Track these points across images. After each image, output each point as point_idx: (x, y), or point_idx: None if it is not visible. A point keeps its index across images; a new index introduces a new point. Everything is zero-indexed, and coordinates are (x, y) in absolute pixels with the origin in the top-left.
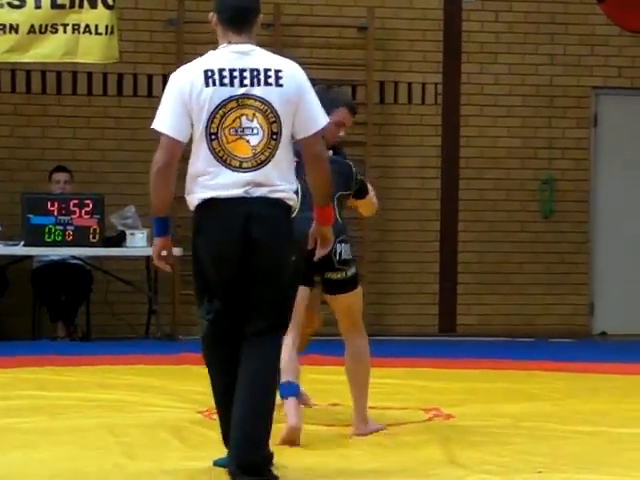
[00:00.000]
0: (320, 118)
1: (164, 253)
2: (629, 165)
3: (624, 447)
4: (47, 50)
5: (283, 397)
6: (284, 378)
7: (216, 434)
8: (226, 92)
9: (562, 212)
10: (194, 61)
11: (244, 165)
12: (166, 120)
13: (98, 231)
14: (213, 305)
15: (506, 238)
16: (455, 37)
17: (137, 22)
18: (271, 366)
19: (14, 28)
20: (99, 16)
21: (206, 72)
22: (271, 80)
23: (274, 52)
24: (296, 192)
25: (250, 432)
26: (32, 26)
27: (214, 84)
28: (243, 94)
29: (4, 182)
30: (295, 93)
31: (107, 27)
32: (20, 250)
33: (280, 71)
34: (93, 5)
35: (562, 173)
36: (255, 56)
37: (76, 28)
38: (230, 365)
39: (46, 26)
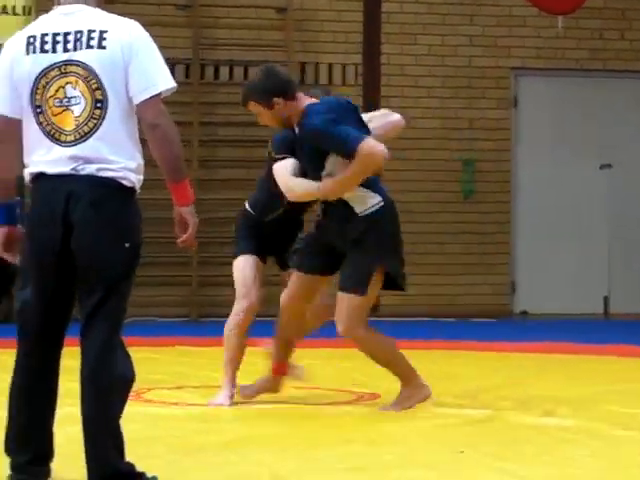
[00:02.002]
0: (158, 81)
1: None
2: (549, 145)
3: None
4: None
5: None
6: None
7: None
8: (47, 59)
9: (483, 193)
10: (27, 26)
11: (68, 139)
12: None
13: None
14: (23, 293)
15: (427, 219)
16: (375, 18)
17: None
18: (108, 375)
19: None
20: None
21: (28, 39)
22: (93, 42)
23: (193, 33)
24: (139, 170)
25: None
26: None
27: (34, 51)
28: (66, 60)
29: None
30: (122, 55)
31: (24, 8)
32: None
33: (105, 32)
34: None
35: (482, 154)
36: (81, 16)
37: None
38: (31, 374)
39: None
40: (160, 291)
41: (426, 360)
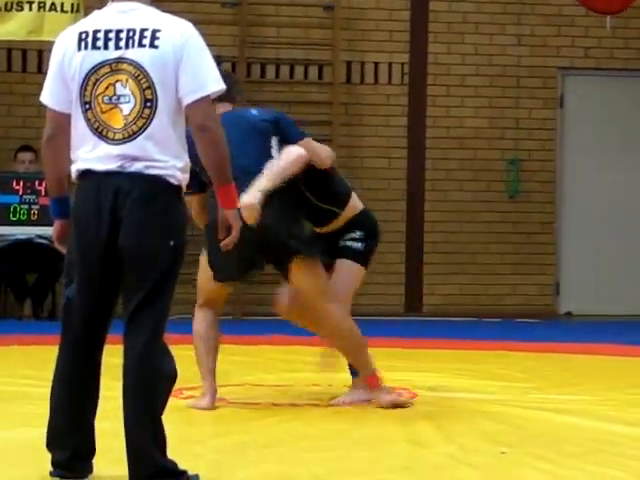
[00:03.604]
0: (208, 82)
1: (57, 244)
2: (594, 146)
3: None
4: (12, 28)
5: None
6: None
7: None
8: (98, 56)
9: (528, 192)
10: (78, 22)
11: (117, 137)
12: (46, 90)
13: None
14: (69, 289)
15: (472, 218)
16: (422, 17)
17: (104, 0)
18: (150, 373)
19: None
20: None
21: (80, 35)
22: (145, 41)
23: (239, 31)
24: (186, 170)
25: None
26: None
27: (86, 47)
28: (117, 58)
29: None
30: (173, 55)
31: (73, 5)
32: None
33: (158, 31)
34: None
35: (528, 153)
36: (136, 15)
37: (42, 6)
38: (73, 374)
39: (12, 4)
40: None
41: (470, 360)
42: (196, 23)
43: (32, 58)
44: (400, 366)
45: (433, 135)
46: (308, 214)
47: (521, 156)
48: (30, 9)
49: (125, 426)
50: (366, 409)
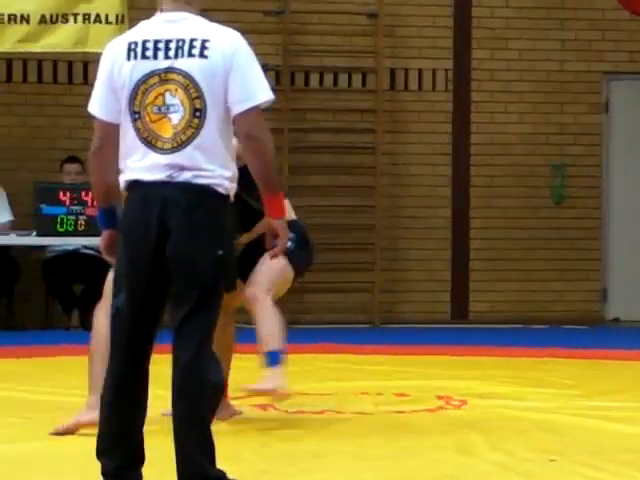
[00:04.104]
0: (257, 92)
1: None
2: None
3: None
4: (58, 40)
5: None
6: None
7: None
8: (148, 66)
9: (573, 198)
10: (127, 32)
11: (166, 146)
12: (95, 100)
13: None
14: (118, 299)
15: (517, 224)
16: (465, 23)
17: (149, 11)
18: (198, 383)
19: (25, 18)
20: (109, 5)
21: (129, 45)
22: (195, 51)
23: (283, 40)
24: (234, 179)
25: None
26: (43, 16)
27: (135, 57)
28: (166, 68)
29: (15, 172)
30: (223, 65)
31: (117, 16)
32: (32, 240)
33: (207, 41)
34: None
35: (573, 159)
36: (185, 25)
37: (87, 18)
38: (124, 379)
39: (57, 16)
40: None
41: (517, 367)
42: (240, 32)
43: (78, 69)
44: (447, 374)
45: (477, 141)
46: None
47: (566, 162)
48: (75, 21)
49: (174, 435)
50: (414, 417)
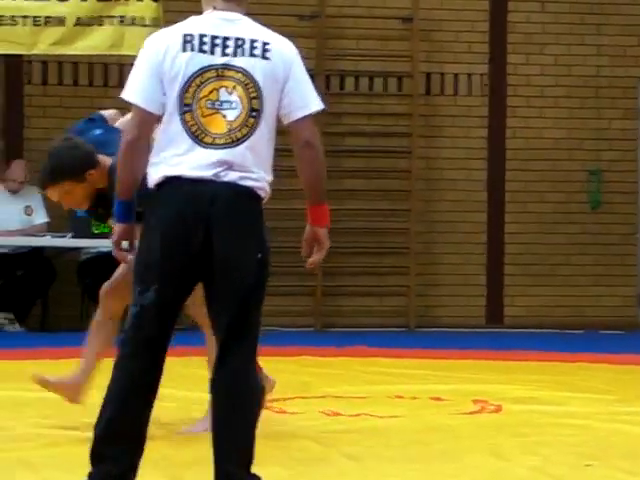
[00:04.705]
0: (312, 100)
1: (124, 245)
2: None
3: None
4: (93, 42)
5: None
6: None
7: None
8: (205, 60)
9: (610, 204)
10: (173, 25)
11: (217, 141)
12: (137, 88)
13: None
14: (144, 297)
15: (553, 229)
16: (501, 28)
17: (184, 14)
18: (244, 385)
19: (61, 20)
20: (145, 8)
21: (185, 36)
22: (257, 52)
23: (318, 44)
24: (270, 185)
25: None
26: (78, 18)
27: (192, 49)
28: (224, 64)
29: None
30: (283, 70)
31: (153, 19)
32: (68, 242)
33: (268, 43)
34: None
35: (609, 164)
36: (242, 25)
37: (122, 20)
38: (139, 382)
39: (93, 18)
40: (285, 301)
41: (552, 372)
42: None
43: (113, 72)
44: (482, 378)
45: (513, 146)
46: None
47: (602, 167)
48: (111, 23)
49: (218, 440)
50: (449, 421)
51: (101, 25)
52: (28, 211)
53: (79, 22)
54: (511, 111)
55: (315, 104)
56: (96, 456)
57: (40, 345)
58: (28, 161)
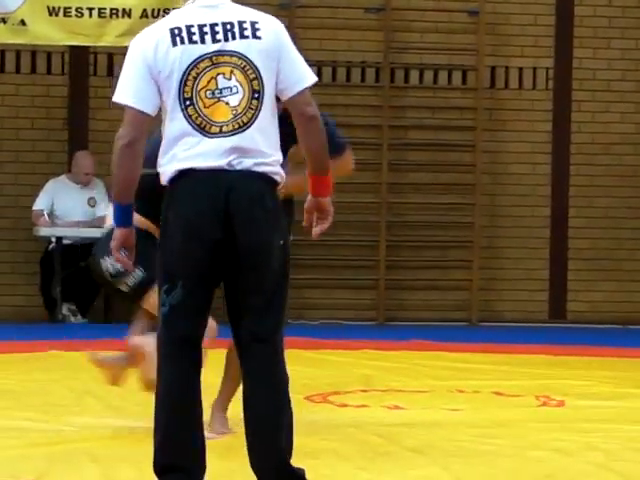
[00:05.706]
0: (307, 74)
1: (123, 253)
2: None
3: None
4: (112, 37)
5: None
6: None
7: None
8: (197, 50)
9: None
10: (157, 22)
11: (224, 129)
12: (128, 90)
13: None
14: (172, 296)
15: (618, 224)
16: (567, 21)
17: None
18: (277, 374)
19: (127, 12)
20: None
21: (172, 30)
22: (247, 32)
23: (383, 37)
24: (282, 165)
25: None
26: (144, 10)
27: (182, 42)
28: (217, 51)
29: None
30: (275, 47)
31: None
32: None
33: (256, 22)
34: None
35: None
36: (226, 9)
37: (144, 14)
38: (179, 385)
39: (158, 10)
40: (348, 294)
41: (616, 368)
42: (340, 29)
43: None
44: (545, 373)
45: (578, 141)
46: None
47: None
48: (130, 16)
49: (254, 431)
50: (511, 415)
51: (121, 18)
52: (91, 202)
53: (145, 14)
54: (576, 105)
55: (310, 76)
56: (164, 468)
57: (104, 336)
58: (92, 153)
